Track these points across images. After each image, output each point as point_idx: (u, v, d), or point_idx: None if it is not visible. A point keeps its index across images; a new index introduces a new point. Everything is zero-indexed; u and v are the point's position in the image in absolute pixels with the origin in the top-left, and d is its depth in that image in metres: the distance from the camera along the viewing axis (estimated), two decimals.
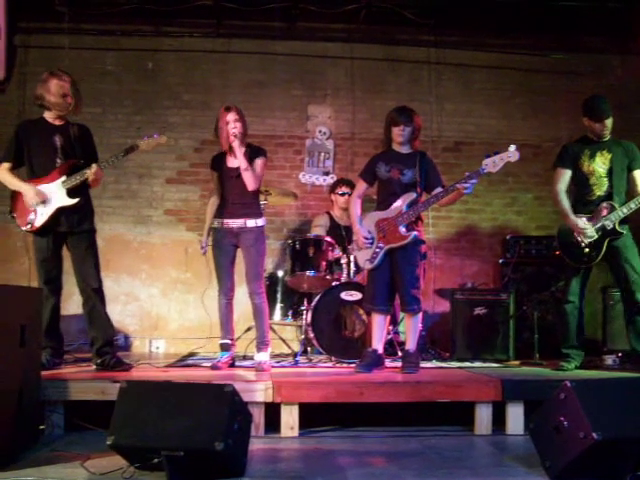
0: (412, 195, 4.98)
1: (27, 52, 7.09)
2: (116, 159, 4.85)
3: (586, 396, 3.24)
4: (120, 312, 6.97)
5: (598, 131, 5.17)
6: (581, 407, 3.18)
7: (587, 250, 5.08)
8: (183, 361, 5.73)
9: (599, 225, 5.06)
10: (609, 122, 5.14)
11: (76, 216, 4.81)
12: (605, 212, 5.07)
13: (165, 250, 7.19)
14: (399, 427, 4.46)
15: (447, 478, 3.37)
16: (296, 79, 7.42)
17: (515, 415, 4.36)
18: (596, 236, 5.05)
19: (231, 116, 5.00)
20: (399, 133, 5.03)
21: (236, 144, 4.95)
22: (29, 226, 4.74)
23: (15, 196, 4.81)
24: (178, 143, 7.21)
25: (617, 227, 5.03)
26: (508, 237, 6.92)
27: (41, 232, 4.77)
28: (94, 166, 4.73)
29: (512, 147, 4.72)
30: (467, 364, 5.63)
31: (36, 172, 4.77)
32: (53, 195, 4.72)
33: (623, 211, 5.03)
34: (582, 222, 5.09)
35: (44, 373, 4.26)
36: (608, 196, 5.12)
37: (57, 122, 4.85)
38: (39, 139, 4.80)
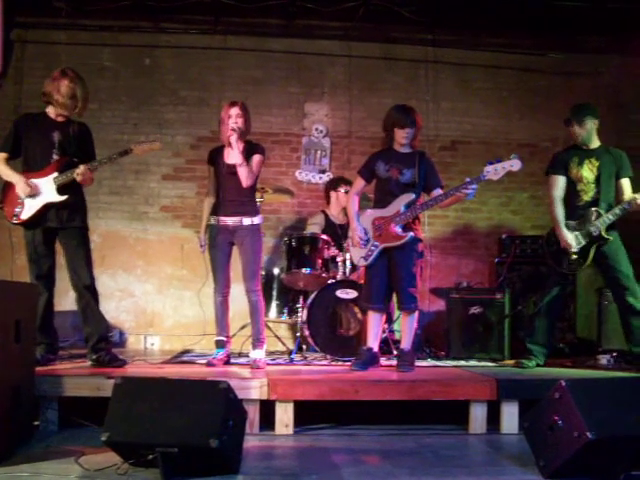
0: (410, 196, 4.99)
1: (24, 47, 7.05)
2: (108, 160, 4.86)
3: (580, 395, 3.25)
4: (115, 308, 6.96)
5: (572, 136, 5.31)
6: (575, 406, 3.19)
7: (574, 257, 5.17)
8: (178, 358, 5.73)
9: (585, 231, 5.16)
10: (578, 129, 5.24)
11: (66, 212, 4.80)
12: (591, 218, 5.15)
13: (161, 247, 7.18)
14: (394, 425, 4.47)
15: (441, 476, 3.38)
16: (293, 76, 7.41)
17: (509, 414, 4.37)
18: (583, 243, 5.16)
19: (234, 110, 5.01)
20: (404, 136, 5.03)
21: (234, 138, 4.95)
22: (15, 218, 4.75)
23: (6, 188, 4.81)
24: (174, 140, 7.20)
25: (603, 233, 5.12)
26: (504, 236, 6.92)
27: (28, 226, 4.77)
28: (81, 167, 4.72)
29: (514, 156, 4.79)
30: (462, 363, 5.64)
31: (31, 165, 4.78)
32: (43, 190, 4.72)
33: (609, 217, 5.12)
34: (571, 236, 5.17)
35: (39, 369, 4.27)
36: (595, 202, 5.21)
37: (59, 119, 4.86)
38: (38, 133, 4.80)
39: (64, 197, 4.74)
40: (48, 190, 4.73)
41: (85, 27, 7.09)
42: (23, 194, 4.69)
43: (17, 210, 4.74)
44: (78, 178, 4.73)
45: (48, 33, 7.03)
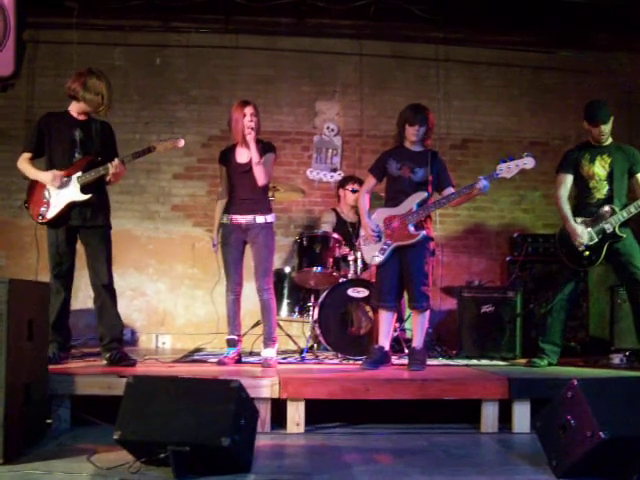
0: (423, 194, 4.98)
1: (36, 47, 7.08)
2: (132, 158, 4.86)
3: (593, 395, 3.23)
4: (127, 307, 6.95)
5: (595, 135, 5.24)
6: (588, 406, 3.17)
7: (587, 253, 5.15)
8: (190, 357, 5.74)
9: (599, 228, 5.13)
10: (605, 127, 5.16)
11: (89, 210, 4.82)
12: (606, 215, 5.12)
13: (172, 245, 7.20)
14: (405, 424, 4.45)
15: (453, 476, 3.37)
16: (304, 75, 7.41)
17: (522, 413, 4.35)
18: (596, 239, 5.12)
19: (249, 109, 5.03)
20: (414, 133, 5.01)
21: (251, 137, 4.96)
22: (40, 218, 4.78)
23: (32, 187, 4.84)
24: (185, 139, 7.16)
25: (617, 231, 5.09)
26: (515, 235, 6.91)
27: (53, 224, 4.79)
28: (116, 160, 4.75)
29: (527, 154, 4.82)
30: (474, 362, 5.62)
31: (54, 164, 4.79)
32: (67, 188, 4.74)
33: (623, 215, 5.08)
34: (580, 229, 5.15)
35: (51, 367, 4.27)
36: (608, 199, 5.17)
37: (81, 117, 4.86)
38: (60, 132, 4.81)
39: (88, 196, 4.76)
40: (72, 189, 4.75)
41: (96, 27, 7.12)
42: (54, 186, 4.70)
43: (42, 210, 4.76)
44: (112, 171, 4.74)
45: (60, 33, 7.06)
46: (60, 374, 4.31)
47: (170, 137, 5.18)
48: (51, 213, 4.75)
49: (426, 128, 5.03)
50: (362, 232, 5.22)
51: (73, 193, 4.75)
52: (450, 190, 5.05)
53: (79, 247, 4.94)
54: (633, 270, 5.09)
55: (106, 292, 4.87)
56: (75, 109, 4.86)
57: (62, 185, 4.73)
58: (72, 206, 4.76)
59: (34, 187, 4.82)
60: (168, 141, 5.01)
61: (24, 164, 4.83)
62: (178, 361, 5.36)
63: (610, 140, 5.26)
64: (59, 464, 3.39)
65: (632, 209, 5.07)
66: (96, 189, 4.82)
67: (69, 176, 4.74)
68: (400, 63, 7.47)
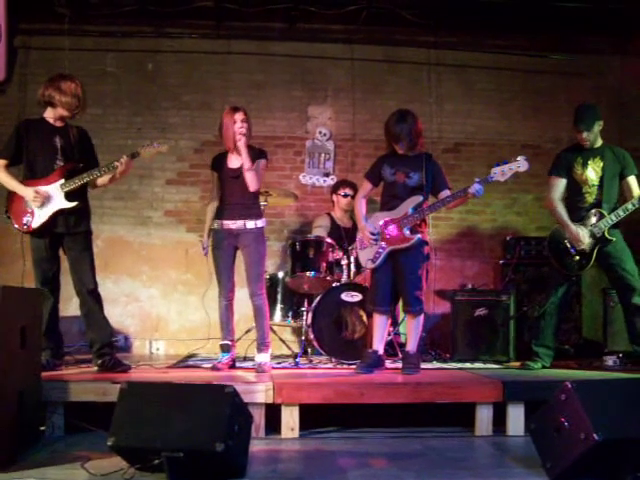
0: (418, 198, 4.99)
1: (28, 53, 7.07)
2: (115, 166, 4.85)
3: (587, 397, 3.24)
4: (120, 313, 6.96)
5: (579, 140, 5.27)
6: (582, 408, 3.18)
7: (577, 258, 5.17)
8: (183, 362, 5.73)
9: (587, 232, 5.14)
10: (588, 135, 5.18)
11: (73, 217, 4.80)
12: (594, 219, 5.15)
13: (165, 251, 7.18)
14: (400, 428, 4.46)
15: (447, 479, 3.38)
16: (296, 80, 7.41)
17: (516, 416, 4.36)
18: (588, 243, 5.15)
19: (239, 116, 5.02)
20: (398, 147, 5.03)
21: (243, 143, 4.96)
22: (25, 227, 4.74)
23: (11, 196, 4.79)
24: (178, 144, 7.19)
25: (606, 234, 5.11)
26: (508, 238, 6.92)
27: (38, 233, 4.77)
28: (125, 157, 4.76)
29: (521, 157, 4.82)
30: (467, 365, 5.63)
31: (35, 172, 4.76)
32: (51, 197, 4.72)
33: (612, 218, 5.11)
34: (582, 233, 5.15)
35: (44, 374, 4.26)
36: (598, 203, 5.20)
37: (58, 123, 4.84)
38: (40, 139, 4.79)
39: (74, 204, 4.74)
40: (56, 197, 4.72)
41: (88, 33, 7.11)
42: (35, 205, 4.68)
43: (27, 219, 4.72)
44: (121, 168, 4.77)
45: (51, 39, 7.03)
46: (53, 381, 4.30)
47: (152, 143, 5.14)
48: (36, 222, 4.72)
49: (410, 138, 4.98)
50: (359, 236, 5.23)
51: (58, 201, 4.72)
52: (447, 193, 5.06)
53: (62, 252, 4.93)
54: (623, 274, 5.12)
55: (92, 298, 4.86)
56: (51, 115, 4.83)
57: (44, 200, 4.70)
58: (58, 214, 4.74)
59: (14, 196, 4.77)
60: (151, 147, 4.99)
61: (1, 173, 4.76)
62: (172, 367, 5.35)
63: (600, 142, 5.28)
64: (53, 471, 3.39)
65: (620, 212, 5.10)
66: (79, 196, 4.81)
67: (51, 184, 4.72)
68: (392, 67, 7.48)
